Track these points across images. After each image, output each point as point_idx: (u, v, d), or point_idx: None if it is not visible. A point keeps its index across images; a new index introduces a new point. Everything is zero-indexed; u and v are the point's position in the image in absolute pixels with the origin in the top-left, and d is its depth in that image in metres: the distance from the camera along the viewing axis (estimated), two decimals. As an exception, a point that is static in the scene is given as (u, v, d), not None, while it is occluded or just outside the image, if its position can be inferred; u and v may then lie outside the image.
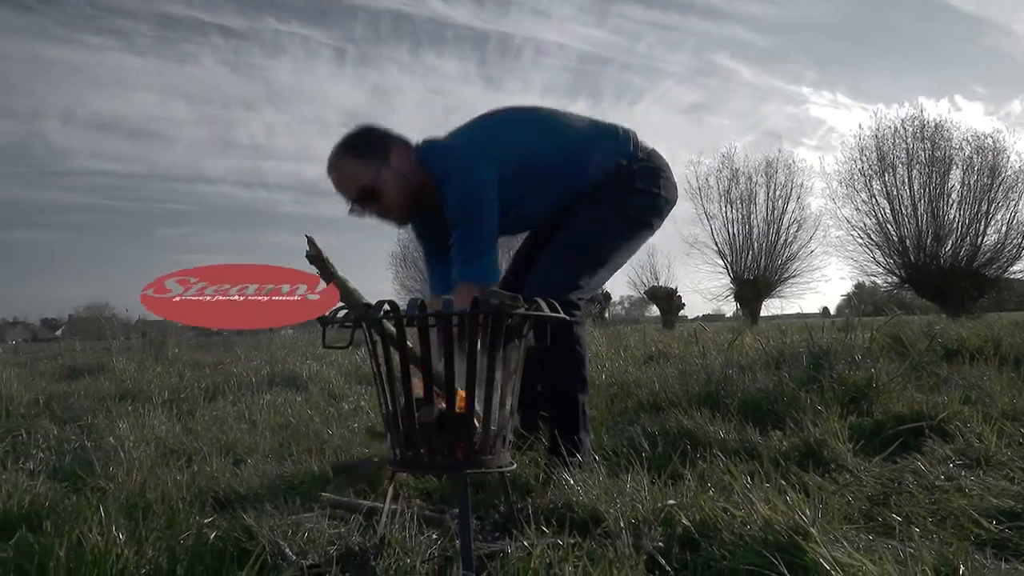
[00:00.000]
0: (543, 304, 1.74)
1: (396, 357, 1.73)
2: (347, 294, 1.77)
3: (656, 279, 32.73)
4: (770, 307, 30.36)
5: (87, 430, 3.58)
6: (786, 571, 1.38)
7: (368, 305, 1.72)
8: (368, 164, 2.34)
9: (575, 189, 2.51)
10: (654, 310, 34.51)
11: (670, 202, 2.65)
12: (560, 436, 2.36)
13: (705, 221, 30.36)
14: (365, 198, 2.36)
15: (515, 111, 2.56)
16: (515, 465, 1.87)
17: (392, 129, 2.45)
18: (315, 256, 1.76)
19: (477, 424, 1.70)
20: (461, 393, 1.69)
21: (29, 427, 3.74)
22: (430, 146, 2.45)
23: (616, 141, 2.56)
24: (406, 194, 2.38)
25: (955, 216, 22.36)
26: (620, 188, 2.50)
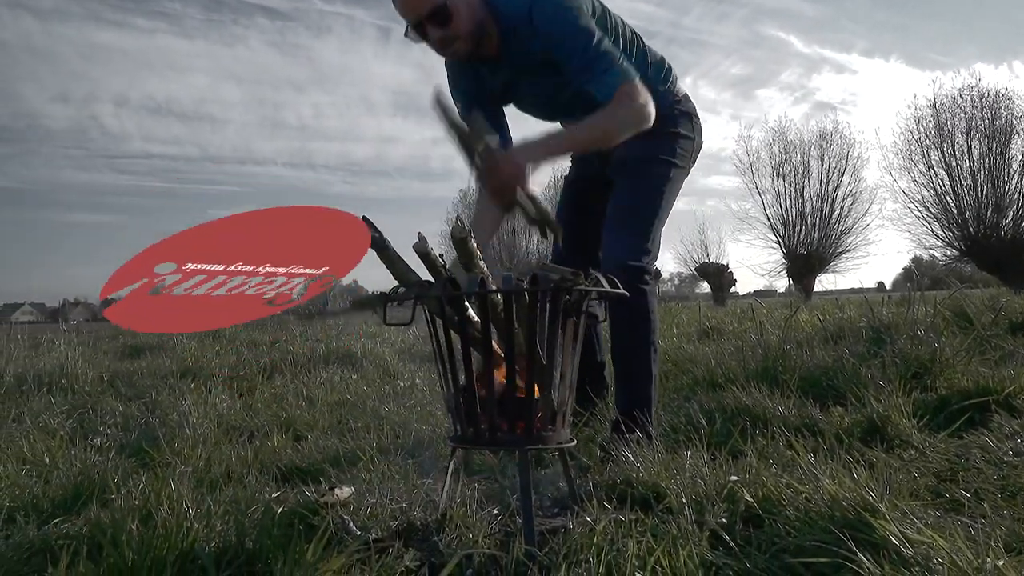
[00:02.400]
0: (602, 279, 1.73)
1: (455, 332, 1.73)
2: (405, 273, 1.77)
3: (707, 255, 32.42)
4: (824, 282, 29.89)
5: (151, 407, 3.68)
6: (855, 547, 1.36)
7: (427, 283, 1.72)
8: None
9: None
10: (704, 287, 34.24)
11: (701, 146, 2.66)
12: (632, 404, 2.35)
13: (757, 196, 29.95)
14: (435, 18, 2.15)
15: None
16: (575, 441, 1.87)
17: None
18: (377, 239, 1.74)
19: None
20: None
21: (95, 404, 3.85)
22: None
23: (669, 75, 2.55)
24: (475, 23, 2.21)
25: (1016, 186, 21.67)
26: (665, 135, 2.47)
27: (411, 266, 1.77)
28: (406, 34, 2.21)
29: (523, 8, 2.19)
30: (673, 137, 2.50)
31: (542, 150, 1.99)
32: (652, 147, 2.45)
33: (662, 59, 2.55)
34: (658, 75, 2.50)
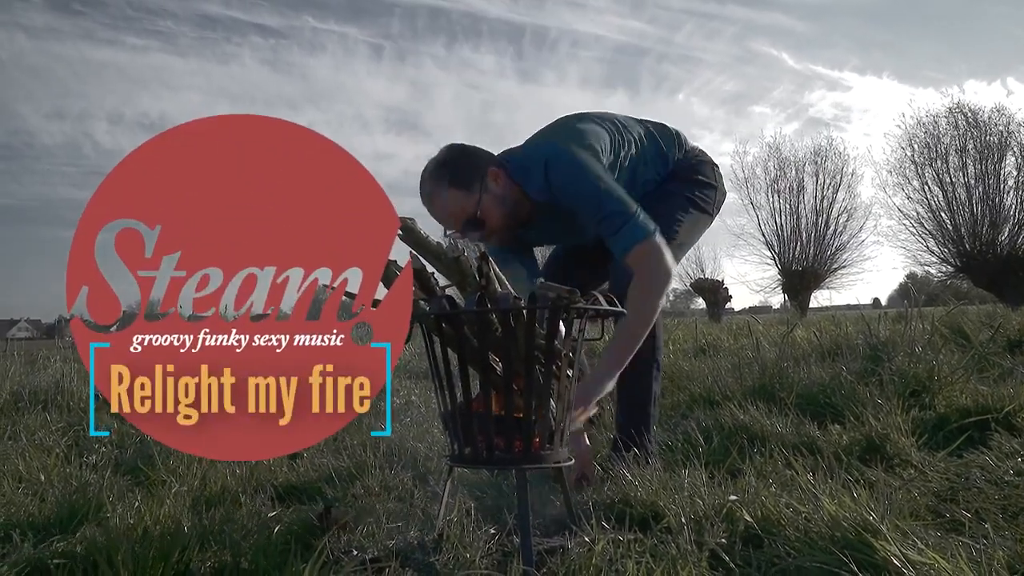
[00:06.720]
0: (601, 297, 1.72)
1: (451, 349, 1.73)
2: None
3: (702, 271, 32.41)
4: (819, 298, 29.90)
5: (146, 424, 3.64)
6: (856, 569, 1.35)
7: (424, 300, 1.72)
8: (471, 193, 2.25)
9: (648, 185, 2.50)
10: (699, 303, 34.22)
11: (724, 195, 2.66)
12: (632, 422, 2.35)
13: (752, 212, 29.94)
14: (469, 226, 2.28)
15: (579, 116, 2.50)
16: (573, 460, 1.86)
17: (479, 147, 2.37)
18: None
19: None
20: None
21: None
22: (519, 158, 2.37)
23: (671, 138, 2.56)
24: (507, 215, 2.31)
25: (1012, 203, 21.76)
26: (685, 179, 2.48)
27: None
28: (445, 234, 2.30)
29: (541, 181, 2.27)
30: (695, 183, 2.52)
31: (610, 377, 2.08)
32: (672, 187, 2.48)
33: (667, 128, 2.59)
34: (672, 147, 2.55)
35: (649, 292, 2.13)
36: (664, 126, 2.59)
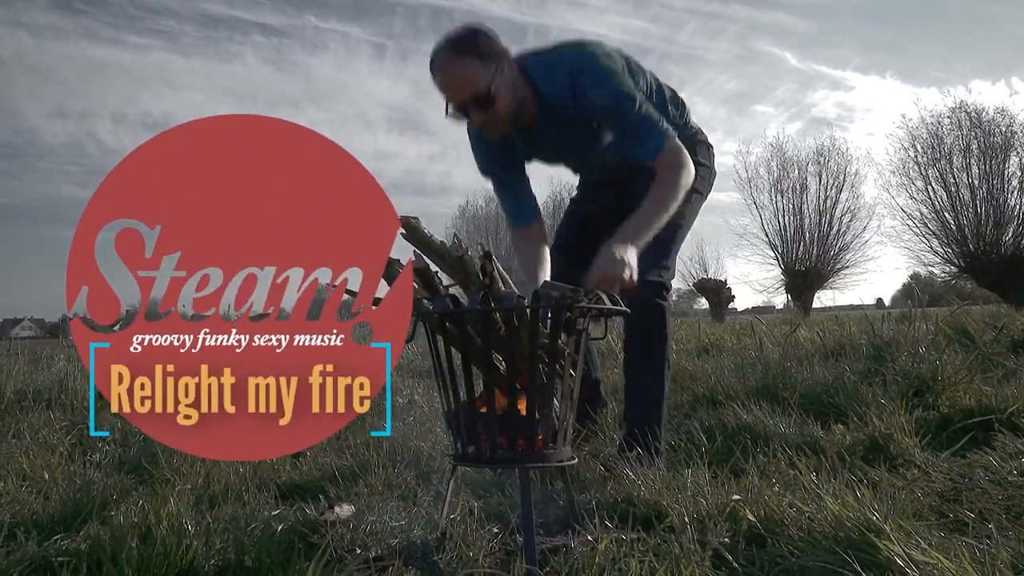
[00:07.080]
0: (604, 296, 1.72)
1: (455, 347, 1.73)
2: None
3: (705, 271, 32.40)
4: (822, 298, 29.86)
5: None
6: (859, 568, 1.35)
7: (428, 299, 1.72)
8: (487, 67, 2.17)
9: None
10: (702, 302, 34.17)
11: (715, 175, 2.69)
12: (644, 421, 2.33)
13: (755, 212, 29.90)
14: (478, 103, 2.19)
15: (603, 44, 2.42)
16: (576, 459, 1.86)
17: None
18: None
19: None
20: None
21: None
22: (539, 60, 2.33)
23: (676, 101, 2.58)
24: (516, 102, 2.25)
25: (1016, 203, 21.68)
26: None
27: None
28: (447, 113, 2.24)
29: (565, 83, 2.24)
30: (694, 164, 2.51)
31: (635, 244, 2.08)
32: None
33: (675, 94, 2.59)
34: (676, 110, 2.55)
35: (675, 182, 2.18)
36: (673, 90, 2.59)
